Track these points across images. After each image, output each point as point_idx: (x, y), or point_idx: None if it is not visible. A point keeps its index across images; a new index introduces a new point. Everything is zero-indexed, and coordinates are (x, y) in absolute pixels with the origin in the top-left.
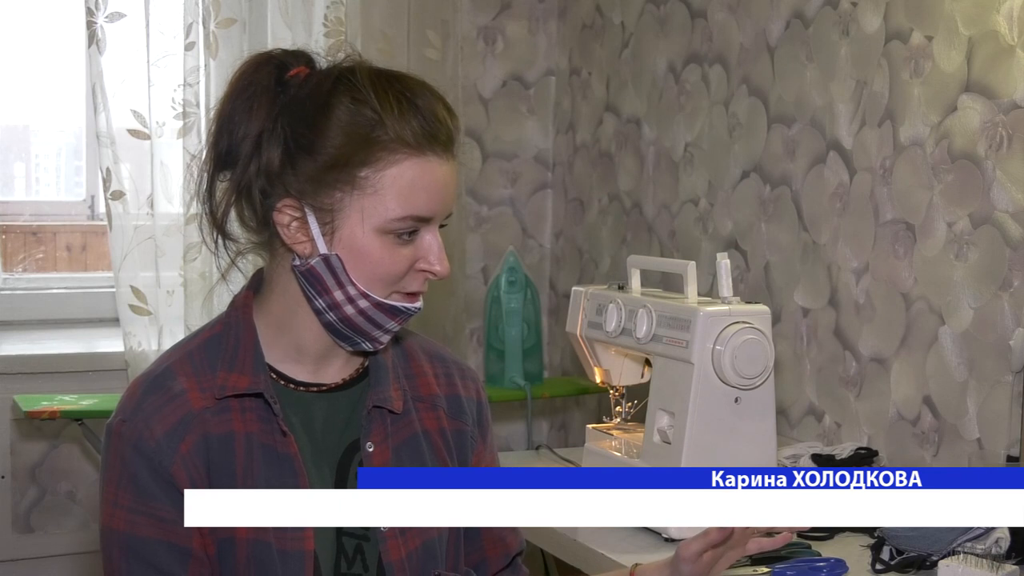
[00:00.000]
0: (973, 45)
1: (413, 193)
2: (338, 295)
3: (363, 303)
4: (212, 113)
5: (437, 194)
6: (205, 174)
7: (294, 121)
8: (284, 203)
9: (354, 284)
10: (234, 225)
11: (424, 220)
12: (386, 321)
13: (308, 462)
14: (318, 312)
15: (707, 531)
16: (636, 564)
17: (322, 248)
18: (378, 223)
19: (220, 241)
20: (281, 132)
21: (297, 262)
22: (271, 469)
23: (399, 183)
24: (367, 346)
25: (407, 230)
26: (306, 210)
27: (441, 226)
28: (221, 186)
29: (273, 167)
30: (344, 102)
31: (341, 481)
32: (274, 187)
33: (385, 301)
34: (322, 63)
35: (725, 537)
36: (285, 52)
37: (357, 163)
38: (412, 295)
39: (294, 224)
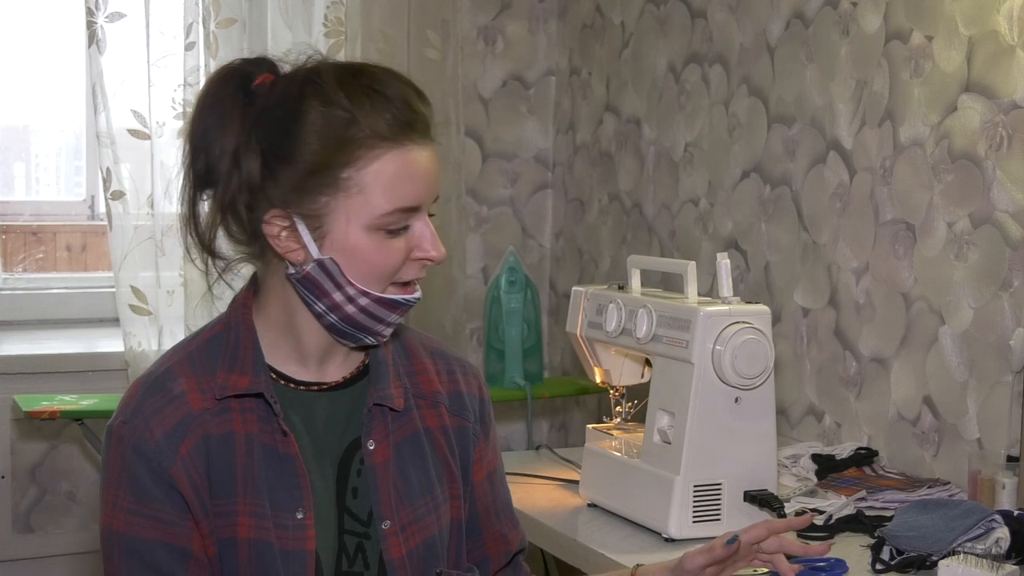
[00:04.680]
0: (973, 45)
1: (397, 185)
2: (337, 296)
3: (363, 300)
4: (184, 134)
5: (421, 182)
6: (186, 194)
7: (268, 132)
8: (271, 214)
9: (352, 284)
10: (222, 241)
11: (412, 210)
12: (387, 315)
13: (309, 461)
14: (319, 316)
15: (712, 546)
16: (638, 564)
17: (315, 254)
18: (367, 220)
19: (209, 260)
20: (257, 144)
21: (292, 270)
22: (272, 469)
23: (382, 178)
24: (370, 340)
25: (397, 223)
26: (294, 218)
27: (431, 215)
28: (204, 204)
29: (255, 180)
30: (315, 106)
31: (342, 479)
32: (258, 200)
33: (384, 296)
34: (285, 68)
35: (730, 554)
36: (246, 61)
37: (338, 165)
38: (408, 285)
39: (284, 233)
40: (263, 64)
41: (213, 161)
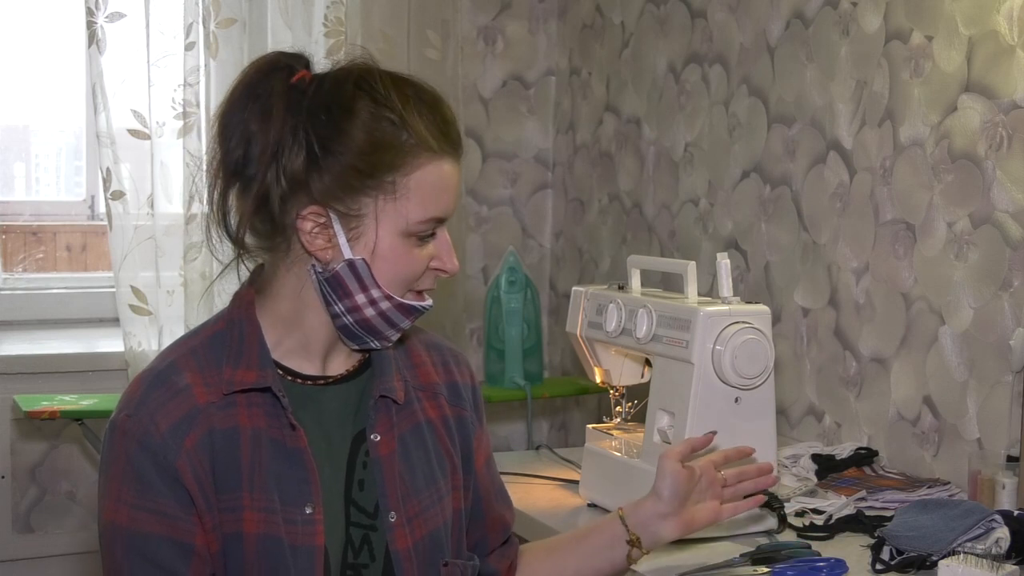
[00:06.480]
0: (973, 45)
1: (435, 195)
2: (360, 298)
3: (385, 304)
4: (217, 122)
5: (453, 194)
6: (217, 184)
7: (317, 127)
8: (309, 210)
9: (379, 287)
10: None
11: (441, 221)
12: (401, 320)
13: (316, 455)
14: (335, 316)
15: (685, 441)
16: (620, 508)
17: (347, 253)
18: (403, 226)
19: (232, 248)
20: (304, 138)
21: (319, 268)
22: (281, 464)
23: (423, 186)
24: (375, 344)
25: (428, 232)
26: (331, 216)
27: None
28: (233, 195)
29: (297, 174)
30: (367, 107)
31: (349, 472)
32: (296, 194)
33: (404, 301)
34: (322, 64)
35: (708, 442)
36: (284, 55)
37: (385, 168)
38: (420, 293)
39: (316, 230)
40: (301, 59)
41: (253, 152)
